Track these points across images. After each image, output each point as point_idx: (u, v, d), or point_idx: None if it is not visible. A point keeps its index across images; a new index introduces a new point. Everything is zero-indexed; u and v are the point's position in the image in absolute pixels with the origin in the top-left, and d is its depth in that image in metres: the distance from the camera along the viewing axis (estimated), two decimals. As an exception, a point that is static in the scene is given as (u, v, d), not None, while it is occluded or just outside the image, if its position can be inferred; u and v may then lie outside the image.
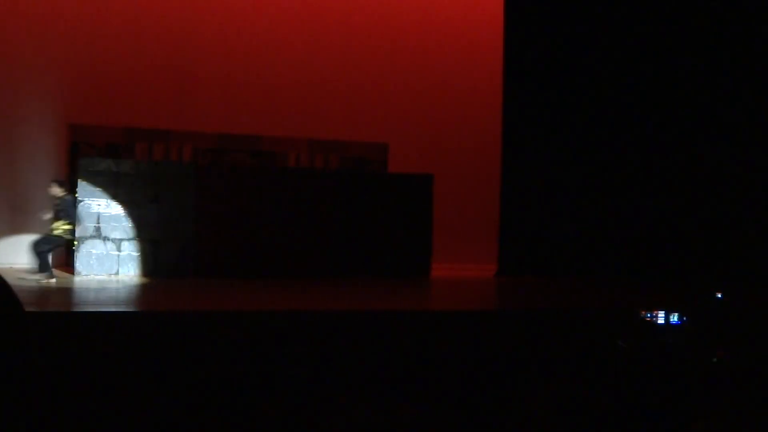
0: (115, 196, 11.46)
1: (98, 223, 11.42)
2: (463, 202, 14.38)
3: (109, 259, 11.37)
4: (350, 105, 14.13)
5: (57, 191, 10.71)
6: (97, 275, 11.17)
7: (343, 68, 14.10)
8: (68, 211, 10.69)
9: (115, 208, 11.48)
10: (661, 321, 5.22)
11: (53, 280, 10.11)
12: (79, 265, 11.26)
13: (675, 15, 14.25)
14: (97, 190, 11.45)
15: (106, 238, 11.40)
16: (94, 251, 11.34)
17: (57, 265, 11.10)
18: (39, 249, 10.36)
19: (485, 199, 14.49)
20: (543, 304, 10.11)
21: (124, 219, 11.49)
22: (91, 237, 11.34)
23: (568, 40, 14.50)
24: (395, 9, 14.47)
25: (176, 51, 13.29)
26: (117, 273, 11.31)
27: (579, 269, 13.99)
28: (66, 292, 9.61)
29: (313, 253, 12.24)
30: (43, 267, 10.22)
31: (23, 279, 9.90)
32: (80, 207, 11.20)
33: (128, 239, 11.45)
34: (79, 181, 11.51)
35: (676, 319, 5.25)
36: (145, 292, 9.98)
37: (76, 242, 11.06)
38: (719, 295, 7.85)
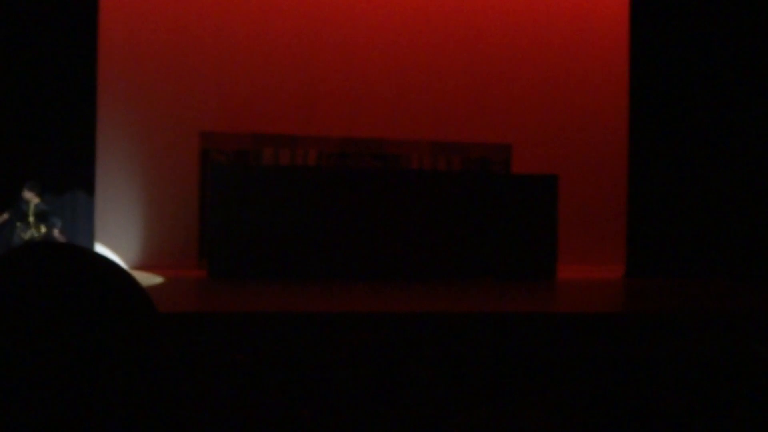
0: (245, 201, 11.77)
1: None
2: (588, 203, 14.11)
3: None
4: (472, 106, 14.09)
5: (30, 195, 10.70)
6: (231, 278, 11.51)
7: (465, 69, 14.07)
8: (47, 215, 10.77)
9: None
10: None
11: None
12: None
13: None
14: (229, 195, 11.80)
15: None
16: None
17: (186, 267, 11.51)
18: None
19: (612, 198, 14.18)
20: (673, 307, 9.81)
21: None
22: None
23: (695, 36, 14.02)
24: (517, 8, 14.34)
25: (301, 58, 13.58)
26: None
27: (713, 271, 13.50)
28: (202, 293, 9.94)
29: (437, 255, 12.26)
30: None
31: None
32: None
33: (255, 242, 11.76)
34: (212, 186, 11.91)
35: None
36: (275, 294, 10.21)
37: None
38: None
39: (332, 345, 6.08)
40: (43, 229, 10.67)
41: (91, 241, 12.21)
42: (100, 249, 12.25)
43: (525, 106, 14.21)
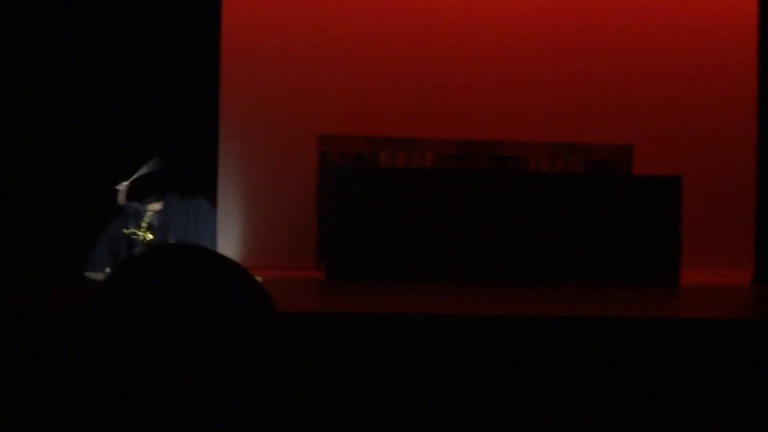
0: (363, 203, 11.88)
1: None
2: (714, 205, 13.65)
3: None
4: (592, 106, 13.83)
5: (155, 206, 11.14)
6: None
7: (584, 68, 13.83)
8: (162, 227, 11.07)
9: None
10: None
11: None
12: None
13: None
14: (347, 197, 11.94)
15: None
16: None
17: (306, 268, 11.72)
18: (116, 249, 10.88)
19: (739, 200, 13.65)
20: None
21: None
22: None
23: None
24: (637, 3, 13.99)
25: (418, 61, 13.64)
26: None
27: None
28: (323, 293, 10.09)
29: (556, 258, 12.08)
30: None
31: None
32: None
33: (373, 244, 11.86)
34: (330, 189, 12.09)
35: None
36: (391, 295, 10.27)
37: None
38: None
39: (449, 346, 6.07)
40: (150, 237, 11.07)
41: (213, 241, 12.58)
42: (222, 249, 12.60)
43: (647, 105, 13.85)
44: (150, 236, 11.01)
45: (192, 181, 12.56)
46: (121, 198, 11.21)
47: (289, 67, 13.42)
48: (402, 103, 13.63)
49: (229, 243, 12.91)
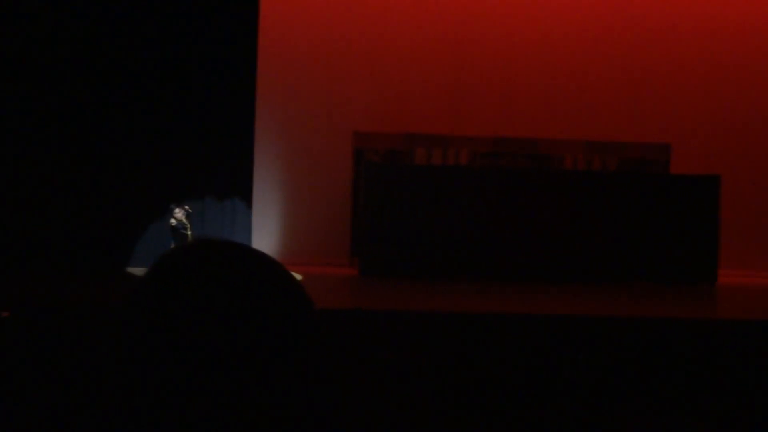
0: (397, 200, 11.87)
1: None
2: (753, 205, 13.46)
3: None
4: (629, 104, 13.71)
5: (180, 216, 11.30)
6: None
7: (621, 65, 13.71)
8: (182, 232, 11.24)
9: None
10: None
11: None
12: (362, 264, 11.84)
13: None
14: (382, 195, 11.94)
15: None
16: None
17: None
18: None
19: (779, 201, 13.47)
20: None
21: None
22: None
23: None
24: (676, 1, 13.83)
25: (453, 57, 13.61)
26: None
27: None
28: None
29: (592, 258, 11.99)
30: None
31: None
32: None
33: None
34: (364, 185, 12.10)
35: None
36: (425, 292, 10.26)
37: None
38: None
39: (482, 345, 6.05)
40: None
41: (249, 237, 12.65)
42: (257, 245, 12.66)
43: (685, 103, 13.69)
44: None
45: (228, 180, 12.63)
46: (173, 221, 11.43)
47: (324, 63, 13.45)
48: (437, 100, 13.60)
49: (263, 238, 12.97)
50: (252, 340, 0.98)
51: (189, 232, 11.30)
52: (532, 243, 11.95)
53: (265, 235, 13.10)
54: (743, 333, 7.28)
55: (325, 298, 8.82)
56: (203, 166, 11.99)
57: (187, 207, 11.53)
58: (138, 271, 11.35)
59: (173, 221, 11.42)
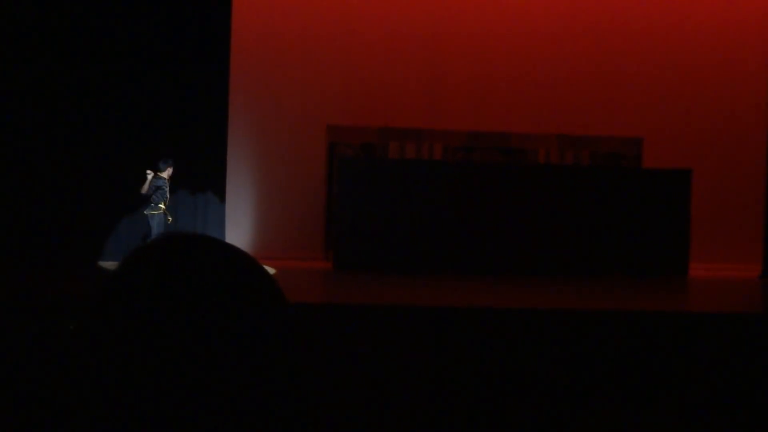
0: (371, 194, 11.87)
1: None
2: (723, 199, 13.60)
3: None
4: (602, 98, 13.79)
5: (168, 172, 11.08)
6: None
7: (594, 60, 13.78)
8: (163, 190, 11.08)
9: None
10: None
11: None
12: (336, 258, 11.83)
13: None
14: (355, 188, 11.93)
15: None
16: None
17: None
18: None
19: (748, 194, 13.60)
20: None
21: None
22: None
23: None
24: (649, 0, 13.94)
25: (428, 52, 13.61)
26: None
27: None
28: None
29: (564, 252, 12.06)
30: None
31: None
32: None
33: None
34: (338, 179, 12.09)
35: None
36: (397, 286, 10.27)
37: (170, 219, 11.20)
38: None
39: (454, 339, 6.07)
40: (162, 206, 11.13)
41: (222, 232, 12.59)
42: (230, 239, 12.61)
43: (657, 98, 13.80)
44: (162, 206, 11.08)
45: (201, 174, 12.53)
46: (145, 187, 11.20)
47: (298, 57, 13.41)
48: (411, 95, 13.61)
49: (237, 232, 12.92)
50: (224, 336, 0.98)
51: (167, 195, 11.13)
52: (506, 237, 12.00)
53: (239, 228, 13.05)
54: (713, 325, 7.35)
55: (298, 292, 8.81)
56: (176, 160, 11.89)
57: (150, 173, 11.26)
58: (110, 265, 11.26)
59: (159, 181, 11.17)
